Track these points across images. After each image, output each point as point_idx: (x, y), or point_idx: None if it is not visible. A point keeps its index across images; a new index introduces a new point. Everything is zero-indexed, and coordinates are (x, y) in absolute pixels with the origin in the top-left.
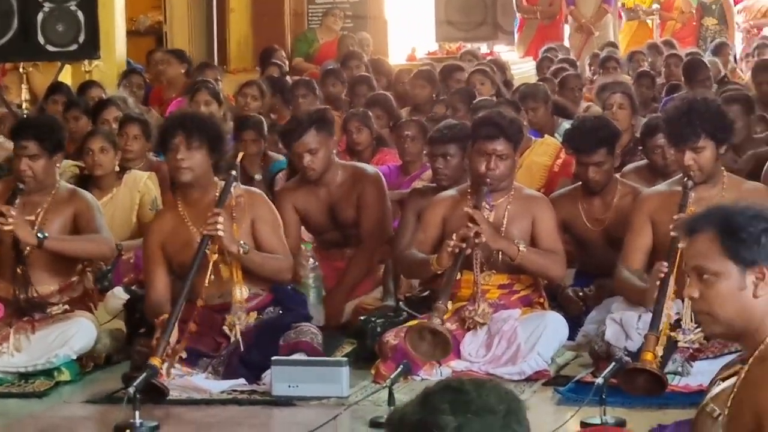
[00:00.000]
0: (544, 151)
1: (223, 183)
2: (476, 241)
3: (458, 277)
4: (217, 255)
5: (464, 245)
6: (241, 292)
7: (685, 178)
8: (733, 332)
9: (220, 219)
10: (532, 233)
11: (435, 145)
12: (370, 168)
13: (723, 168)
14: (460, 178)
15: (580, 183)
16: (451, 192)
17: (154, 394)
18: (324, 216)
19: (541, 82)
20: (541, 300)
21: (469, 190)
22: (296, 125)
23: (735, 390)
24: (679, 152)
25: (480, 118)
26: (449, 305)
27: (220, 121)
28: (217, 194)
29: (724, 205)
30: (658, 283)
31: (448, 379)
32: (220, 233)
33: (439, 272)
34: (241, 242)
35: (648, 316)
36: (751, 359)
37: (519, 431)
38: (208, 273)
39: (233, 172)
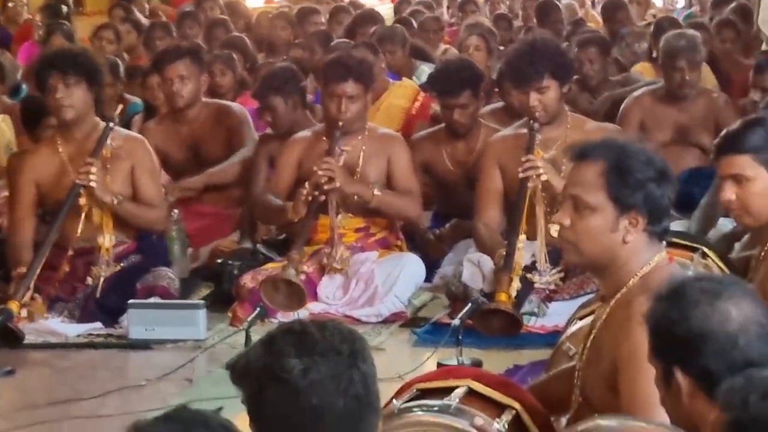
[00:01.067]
0: (402, 93)
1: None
2: (330, 187)
3: (315, 221)
4: (86, 203)
5: (318, 193)
6: (108, 239)
7: (531, 120)
8: (593, 267)
9: (93, 169)
10: (387, 173)
11: (260, 98)
12: (235, 105)
13: (567, 108)
14: (301, 121)
15: (444, 125)
16: (305, 133)
17: (10, 339)
18: (185, 154)
19: (398, 24)
20: (399, 242)
21: (322, 132)
22: (172, 50)
23: (593, 332)
24: (524, 94)
25: (329, 60)
26: (306, 249)
27: (93, 54)
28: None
29: (622, 141)
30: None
31: (290, 322)
32: (92, 184)
33: (295, 220)
34: (115, 193)
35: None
36: (612, 302)
37: (364, 369)
38: (80, 221)
39: (111, 124)
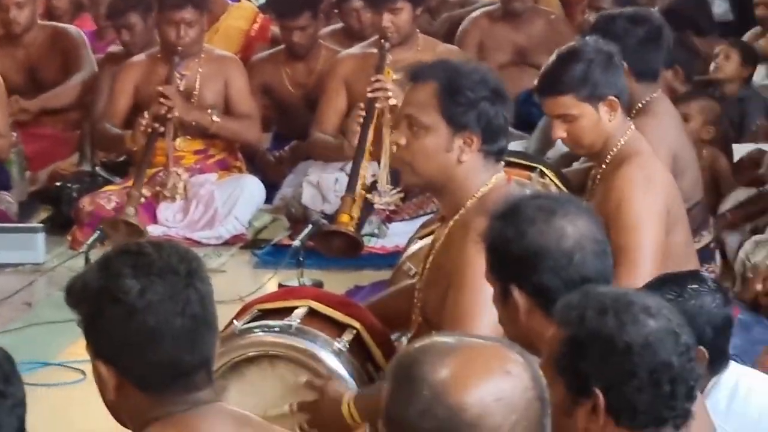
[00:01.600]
0: (240, 15)
1: None
2: (169, 116)
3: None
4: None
5: (157, 125)
6: None
7: (382, 40)
8: (430, 188)
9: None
10: (225, 96)
11: (114, 17)
12: (72, 28)
13: (418, 30)
14: (150, 41)
15: (283, 47)
16: (140, 57)
17: None
18: (22, 78)
19: None
20: (238, 163)
21: (159, 56)
22: None
23: (433, 253)
24: (377, 14)
25: None
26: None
27: None
28: None
29: (455, 62)
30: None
31: (126, 243)
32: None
33: (134, 149)
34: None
35: (345, 180)
36: (451, 222)
37: (202, 289)
38: None
39: None
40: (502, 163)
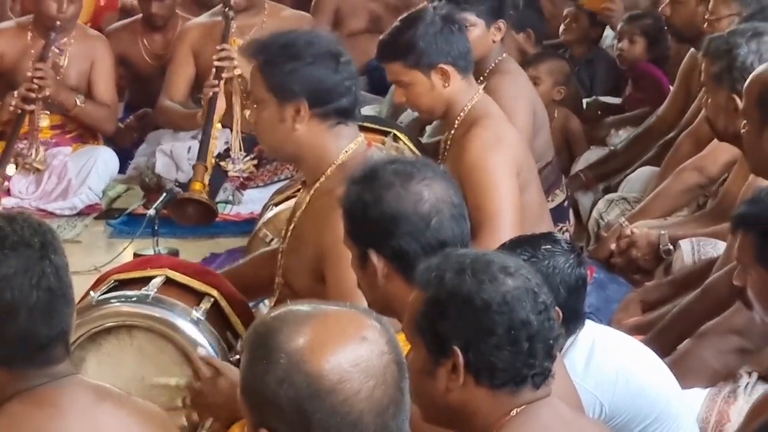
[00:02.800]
0: None
1: None
2: (39, 96)
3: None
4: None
5: (26, 106)
6: None
7: (226, 9)
8: (284, 158)
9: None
10: (88, 77)
11: None
12: None
13: None
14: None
15: (140, 17)
16: (9, 24)
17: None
18: None
19: None
20: (94, 140)
21: (29, 27)
22: None
23: (294, 220)
24: None
25: None
26: None
27: None
28: None
29: (279, 34)
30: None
31: None
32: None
33: None
34: None
35: (197, 148)
36: (312, 190)
37: (57, 261)
38: None
39: None
40: (357, 128)
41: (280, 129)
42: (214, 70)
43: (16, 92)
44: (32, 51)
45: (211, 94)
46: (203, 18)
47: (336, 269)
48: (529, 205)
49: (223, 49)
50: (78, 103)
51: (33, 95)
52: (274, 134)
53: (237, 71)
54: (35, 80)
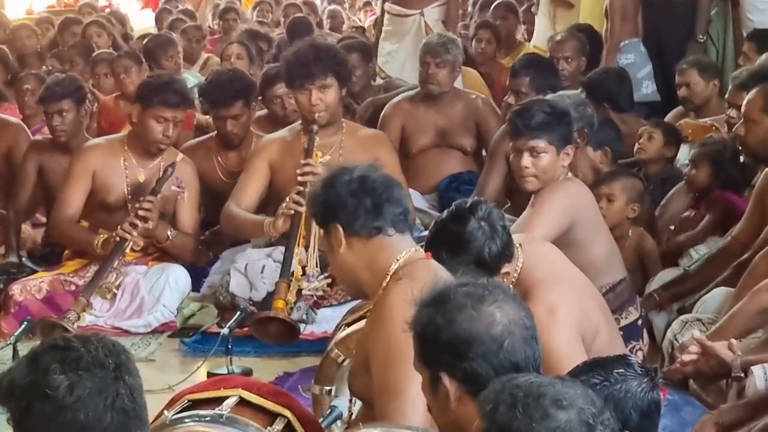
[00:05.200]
0: None
1: None
2: (143, 226)
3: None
4: None
5: (127, 235)
6: None
7: (311, 123)
8: (356, 291)
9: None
10: (175, 203)
11: (48, 103)
12: (13, 118)
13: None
14: (78, 132)
15: (214, 134)
16: (109, 142)
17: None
18: None
19: (169, 33)
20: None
21: (126, 147)
22: None
23: (358, 339)
24: (305, 92)
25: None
26: (74, 262)
27: None
28: None
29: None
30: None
31: (54, 338)
32: None
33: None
34: None
35: (272, 266)
36: (372, 305)
37: (130, 382)
38: None
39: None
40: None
41: (334, 256)
42: (297, 186)
43: (120, 227)
44: (126, 172)
45: (294, 210)
46: (281, 133)
47: (382, 366)
48: (600, 348)
49: (307, 164)
50: (170, 236)
51: (137, 226)
52: (343, 269)
53: None
54: (141, 212)
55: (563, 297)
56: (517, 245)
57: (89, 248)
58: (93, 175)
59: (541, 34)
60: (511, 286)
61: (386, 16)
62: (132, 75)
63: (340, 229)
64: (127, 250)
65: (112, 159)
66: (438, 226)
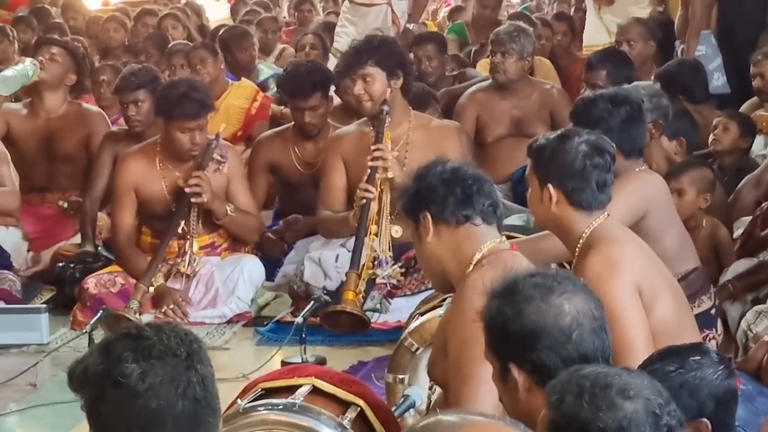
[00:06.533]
0: (241, 93)
1: None
2: (197, 201)
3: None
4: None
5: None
6: None
7: (382, 105)
8: (442, 282)
9: None
10: (227, 191)
11: (123, 92)
12: (93, 108)
13: (410, 108)
14: (153, 123)
15: (291, 125)
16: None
17: None
18: (38, 144)
19: (243, 25)
20: (246, 248)
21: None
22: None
23: (439, 326)
24: (350, 82)
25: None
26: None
27: None
28: None
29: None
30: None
31: (127, 327)
32: None
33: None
34: None
35: (346, 256)
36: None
37: (202, 371)
38: None
39: None
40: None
41: (419, 246)
42: (367, 172)
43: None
44: (164, 181)
45: (364, 200)
46: (352, 127)
47: (457, 353)
48: (663, 317)
49: (377, 149)
50: (229, 211)
51: (193, 198)
52: (428, 260)
53: (389, 174)
54: (189, 189)
55: (627, 252)
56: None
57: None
58: (135, 190)
59: (591, 33)
60: (584, 236)
61: (347, 4)
62: (208, 66)
63: (429, 217)
64: (193, 249)
65: (149, 168)
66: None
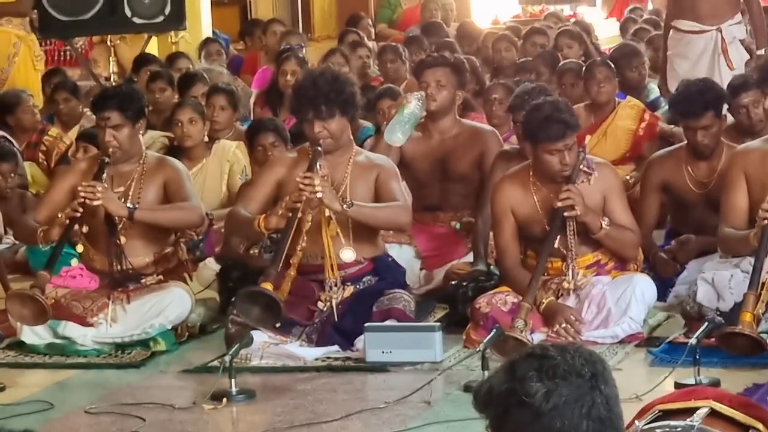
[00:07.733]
0: (628, 114)
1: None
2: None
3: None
4: (311, 217)
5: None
6: (348, 254)
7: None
8: None
9: (316, 180)
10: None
11: (517, 111)
12: (486, 126)
13: None
14: None
15: (684, 144)
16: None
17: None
18: (432, 166)
19: (633, 42)
20: (633, 266)
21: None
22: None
23: None
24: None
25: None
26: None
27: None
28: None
29: None
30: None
31: (531, 346)
32: (319, 195)
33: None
34: (345, 198)
35: (740, 276)
36: None
37: (607, 392)
38: (302, 235)
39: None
40: None
41: None
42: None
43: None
44: (537, 199)
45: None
46: (756, 143)
47: None
48: None
49: None
50: (604, 225)
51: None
52: None
53: None
54: (563, 201)
55: None
56: None
57: (524, 294)
58: (512, 212)
59: None
60: None
61: (672, 32)
62: (606, 84)
63: None
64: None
65: (523, 190)
66: None
